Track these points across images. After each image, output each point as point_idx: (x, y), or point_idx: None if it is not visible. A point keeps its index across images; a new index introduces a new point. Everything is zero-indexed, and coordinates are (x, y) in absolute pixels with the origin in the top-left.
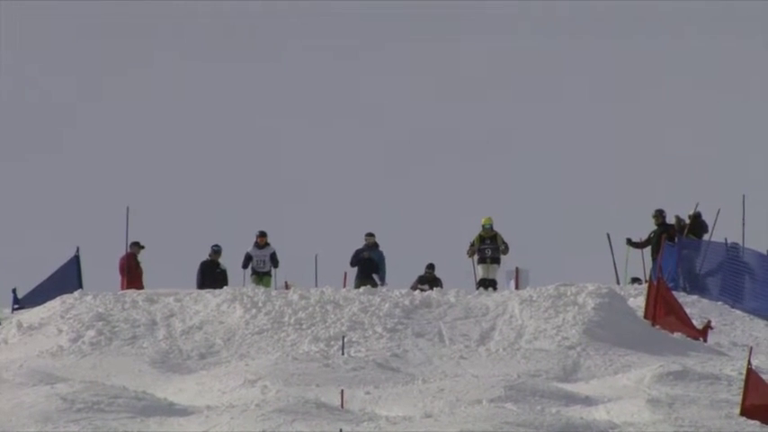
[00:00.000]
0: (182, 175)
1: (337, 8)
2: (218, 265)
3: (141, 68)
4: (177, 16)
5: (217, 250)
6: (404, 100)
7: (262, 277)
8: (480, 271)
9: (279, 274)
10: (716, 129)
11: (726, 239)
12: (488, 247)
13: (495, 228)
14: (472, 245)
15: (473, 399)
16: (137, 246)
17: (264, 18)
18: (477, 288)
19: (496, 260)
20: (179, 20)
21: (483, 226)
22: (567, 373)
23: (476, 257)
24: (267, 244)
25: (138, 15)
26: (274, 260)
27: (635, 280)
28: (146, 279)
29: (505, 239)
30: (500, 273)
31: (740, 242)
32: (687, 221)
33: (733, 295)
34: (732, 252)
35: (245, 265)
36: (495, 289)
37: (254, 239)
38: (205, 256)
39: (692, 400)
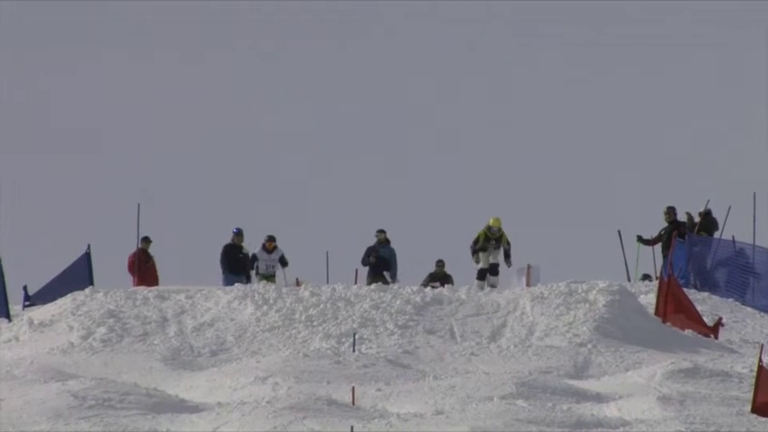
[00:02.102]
0: (192, 172)
1: (337, 7)
2: (240, 248)
3: (146, 67)
4: (183, 12)
5: (238, 233)
6: (411, 96)
7: (267, 279)
8: (483, 260)
9: (290, 272)
10: (727, 126)
11: (733, 237)
12: (492, 246)
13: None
14: (476, 241)
15: (484, 396)
16: (145, 241)
17: (267, 16)
18: (477, 278)
19: (498, 247)
20: (185, 16)
21: (489, 228)
22: (577, 369)
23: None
24: (275, 248)
25: (142, 12)
26: (283, 261)
27: (646, 276)
28: (159, 273)
29: (515, 237)
30: (501, 257)
31: (751, 239)
32: (698, 219)
33: (743, 292)
34: (742, 249)
35: (251, 266)
36: (496, 274)
37: (262, 243)
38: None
39: (702, 397)
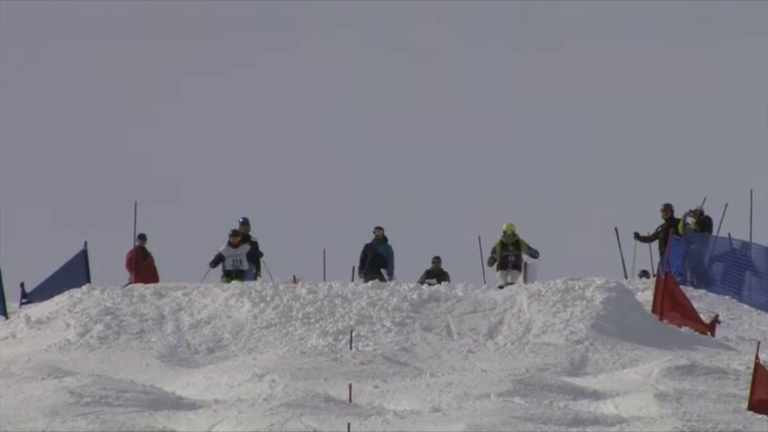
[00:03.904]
0: (190, 169)
1: (338, 8)
2: (248, 237)
3: (144, 64)
4: (183, 11)
5: (244, 222)
6: (410, 95)
7: (233, 279)
8: (500, 278)
9: (287, 269)
10: (723, 123)
11: (729, 235)
12: (511, 253)
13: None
14: (493, 252)
15: (481, 393)
16: (141, 238)
17: (267, 14)
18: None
19: (517, 267)
20: (184, 15)
21: (504, 232)
22: (574, 367)
23: (496, 264)
24: (241, 242)
25: (142, 10)
26: (253, 255)
27: (644, 273)
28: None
29: (531, 244)
30: (520, 278)
31: (747, 237)
32: (689, 222)
33: (740, 290)
34: (739, 246)
35: (214, 264)
36: None
37: (228, 239)
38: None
39: (699, 394)
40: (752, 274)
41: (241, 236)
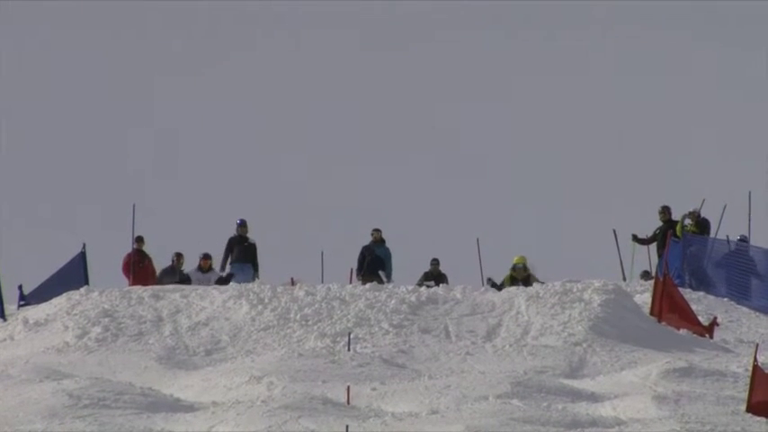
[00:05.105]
0: (188, 172)
1: (339, 7)
2: (246, 238)
3: (143, 65)
4: (184, 11)
5: (241, 224)
6: (409, 95)
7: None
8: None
9: (284, 271)
10: (722, 124)
11: (728, 237)
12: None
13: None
14: (502, 285)
15: (479, 395)
16: (139, 241)
17: (267, 16)
18: None
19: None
20: (185, 15)
21: (514, 266)
22: (573, 369)
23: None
24: (211, 268)
25: (143, 11)
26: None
27: (646, 273)
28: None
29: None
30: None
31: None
32: (687, 224)
33: (739, 292)
34: (739, 247)
35: (179, 280)
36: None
37: (198, 262)
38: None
39: (698, 396)
40: (751, 276)
41: (245, 236)
